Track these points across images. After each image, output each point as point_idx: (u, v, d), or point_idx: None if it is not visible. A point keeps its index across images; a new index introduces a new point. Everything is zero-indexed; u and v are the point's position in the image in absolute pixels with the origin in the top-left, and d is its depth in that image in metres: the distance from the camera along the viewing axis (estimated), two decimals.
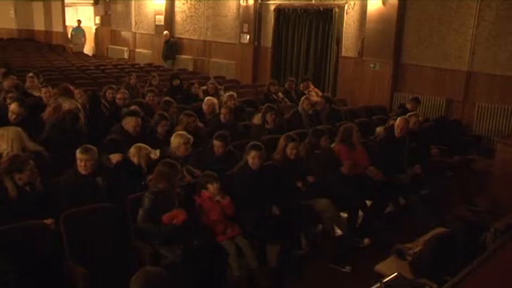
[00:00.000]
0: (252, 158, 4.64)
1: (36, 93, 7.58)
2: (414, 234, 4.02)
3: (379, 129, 5.56)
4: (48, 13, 20.29)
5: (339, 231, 4.94)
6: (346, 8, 10.78)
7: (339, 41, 11.00)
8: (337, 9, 10.81)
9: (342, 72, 11.07)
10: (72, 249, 3.68)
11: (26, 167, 3.81)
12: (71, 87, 6.78)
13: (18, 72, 9.52)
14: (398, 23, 9.66)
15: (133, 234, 3.97)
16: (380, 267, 3.60)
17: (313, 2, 11.42)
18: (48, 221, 3.71)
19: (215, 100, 7.06)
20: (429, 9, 9.31)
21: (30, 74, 8.50)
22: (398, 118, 6.10)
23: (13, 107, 5.33)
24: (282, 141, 5.06)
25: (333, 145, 5.62)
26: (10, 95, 6.46)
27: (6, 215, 3.64)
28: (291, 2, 11.90)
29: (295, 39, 11.83)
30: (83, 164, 4.06)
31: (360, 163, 5.56)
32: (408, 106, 7.86)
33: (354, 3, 10.62)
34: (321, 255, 4.77)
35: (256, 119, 6.72)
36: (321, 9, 11.15)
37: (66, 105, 5.73)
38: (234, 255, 4.04)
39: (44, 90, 7.01)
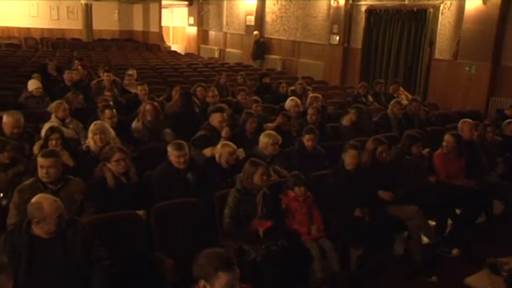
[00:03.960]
0: (351, 157, 4.58)
1: (133, 90, 8.06)
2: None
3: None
4: (146, 14, 21.41)
5: (425, 239, 4.80)
6: (441, 8, 10.38)
7: (432, 43, 10.62)
8: (431, 10, 10.44)
9: (434, 75, 10.68)
10: (161, 240, 3.80)
11: (113, 158, 3.99)
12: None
13: (117, 70, 10.16)
14: (500, 23, 9.14)
15: (219, 229, 4.06)
16: (471, 280, 3.45)
17: (406, 2, 11.11)
18: (141, 212, 3.85)
19: (298, 101, 7.07)
20: None
21: (129, 72, 9.05)
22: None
23: (107, 113, 5.49)
24: (370, 143, 4.99)
25: (424, 151, 5.45)
26: (108, 93, 6.86)
27: (105, 204, 3.86)
28: (383, 2, 11.65)
29: (386, 41, 11.57)
30: (181, 160, 4.20)
31: (455, 173, 5.35)
32: (508, 112, 7.43)
33: (451, 3, 10.19)
34: (406, 262, 4.65)
35: (345, 121, 6.67)
36: (415, 9, 10.82)
37: None
38: (318, 256, 4.02)
39: (139, 88, 7.36)
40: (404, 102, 8.30)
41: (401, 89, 9.52)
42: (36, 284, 2.89)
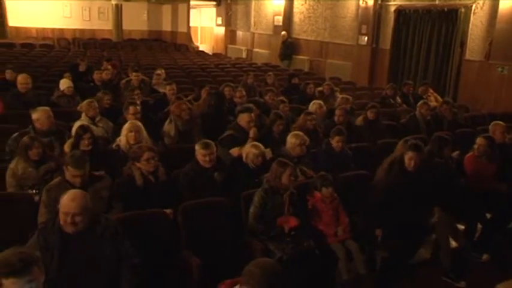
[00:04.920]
0: (408, 159, 4.51)
1: (162, 90, 8.15)
2: None
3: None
4: (175, 15, 21.65)
5: (454, 244, 4.71)
6: (473, 8, 10.18)
7: (462, 43, 10.43)
8: (463, 10, 10.25)
9: (465, 76, 10.48)
10: (188, 239, 3.83)
11: (143, 157, 4.04)
12: None
13: (146, 69, 10.30)
14: None
15: (245, 229, 4.08)
16: (502, 286, 3.39)
17: (436, 2, 10.94)
18: (168, 211, 3.90)
19: (321, 102, 7.03)
20: None
21: (158, 72, 9.16)
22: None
23: (131, 109, 5.58)
24: (400, 146, 4.94)
25: (454, 154, 5.36)
26: (136, 92, 6.95)
27: (133, 202, 3.91)
28: (413, 2, 11.50)
29: (415, 41, 11.43)
30: (207, 158, 4.24)
31: (486, 177, 5.24)
32: None
33: (483, 3, 9.99)
34: (434, 266, 4.59)
35: (359, 121, 6.63)
36: (445, 9, 10.66)
37: None
38: (344, 258, 4.01)
39: (168, 87, 7.42)
40: (434, 103, 8.19)
41: (431, 90, 9.38)
42: (67, 279, 2.94)
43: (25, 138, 4.32)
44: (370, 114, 6.52)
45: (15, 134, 4.87)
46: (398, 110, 8.12)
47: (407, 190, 4.38)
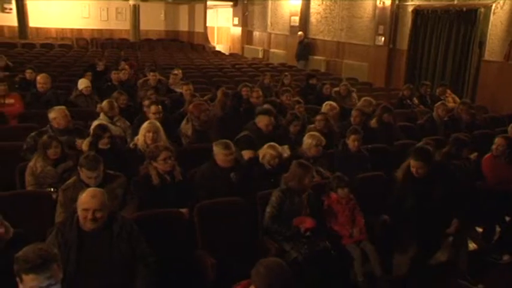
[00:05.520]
0: (412, 166, 4.42)
1: (178, 90, 8.19)
2: None
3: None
4: (191, 15, 21.77)
5: (473, 246, 4.67)
6: (493, 7, 10.04)
7: (481, 44, 10.27)
8: (482, 10, 10.10)
9: (483, 77, 10.34)
10: (203, 238, 3.85)
11: (160, 157, 4.07)
12: None
13: (163, 69, 10.36)
14: None
15: (261, 229, 4.08)
16: None
17: (455, 2, 10.82)
18: (184, 210, 3.92)
19: (333, 103, 7.00)
20: None
21: (175, 72, 9.21)
22: None
23: (153, 109, 5.64)
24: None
25: (472, 155, 5.30)
26: (149, 93, 6.99)
27: (149, 201, 3.95)
28: (431, 2, 11.39)
29: (433, 42, 11.30)
30: (229, 158, 4.25)
31: (505, 178, 5.16)
32: None
33: (504, 3, 9.82)
34: (451, 269, 4.54)
35: (373, 123, 6.57)
36: (464, 9, 10.51)
37: None
38: (359, 260, 3.99)
39: (185, 87, 7.45)
40: (452, 104, 8.10)
41: (449, 91, 9.28)
42: (85, 276, 2.99)
43: (44, 138, 4.38)
44: (386, 118, 6.45)
45: (33, 133, 4.94)
46: (415, 111, 8.06)
47: (418, 195, 4.34)
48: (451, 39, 10.84)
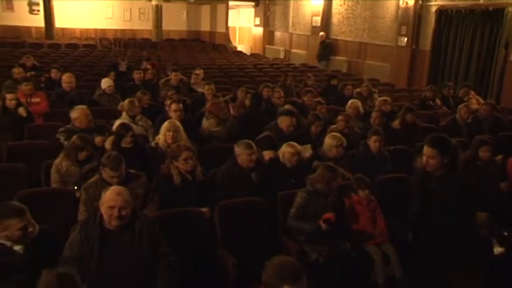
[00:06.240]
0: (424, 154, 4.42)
1: (200, 89, 8.24)
2: None
3: None
4: (213, 15, 21.87)
5: (498, 249, 4.57)
6: None
7: (507, 44, 10.09)
8: (510, 9, 9.91)
9: (509, 78, 10.13)
10: (224, 238, 3.86)
11: (181, 156, 4.10)
12: None
13: (184, 69, 10.44)
14: None
15: (281, 230, 4.07)
16: None
17: (481, 1, 10.64)
18: (205, 210, 3.95)
19: (359, 103, 6.97)
20: None
21: (196, 71, 9.27)
22: None
23: (174, 107, 5.68)
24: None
25: (497, 157, 5.21)
26: (170, 92, 7.04)
27: (170, 200, 3.99)
28: (455, 2, 11.23)
29: (457, 42, 11.14)
30: (252, 158, 4.26)
31: None
32: None
33: None
34: (476, 273, 4.46)
35: (395, 123, 6.52)
36: (490, 9, 10.34)
37: None
38: (380, 262, 3.95)
39: (207, 87, 7.48)
40: (475, 106, 7.98)
41: (472, 92, 9.15)
42: (107, 272, 3.03)
43: (76, 141, 4.42)
44: (409, 118, 6.40)
45: (63, 128, 5.12)
46: (438, 113, 7.97)
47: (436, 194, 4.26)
48: (475, 39, 10.68)
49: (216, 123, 5.85)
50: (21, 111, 5.90)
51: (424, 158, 3.74)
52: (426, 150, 3.72)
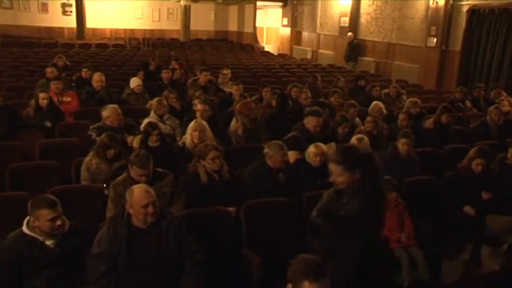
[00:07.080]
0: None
1: (227, 89, 8.29)
2: None
3: None
4: (241, 15, 21.93)
5: None
6: None
7: None
8: None
9: None
10: (250, 238, 3.87)
11: (208, 156, 4.13)
12: None
13: (212, 69, 10.50)
14: None
15: (307, 230, 4.10)
16: None
17: None
18: (231, 209, 3.98)
19: (382, 104, 6.89)
20: None
21: (224, 71, 9.32)
22: None
23: (199, 106, 5.74)
24: (472, 152, 4.77)
25: None
26: (197, 93, 7.08)
27: (197, 199, 4.03)
28: (488, 1, 10.97)
29: (489, 43, 10.88)
30: (285, 158, 4.28)
31: None
32: None
33: None
34: (503, 277, 4.38)
35: (428, 123, 6.44)
36: None
37: None
38: (406, 265, 3.91)
39: (235, 87, 7.54)
40: (507, 108, 7.81)
41: (504, 94, 8.94)
42: (134, 270, 3.08)
43: (105, 139, 4.49)
44: (444, 119, 6.28)
45: (95, 126, 5.24)
46: (468, 115, 7.83)
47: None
48: (508, 39, 10.41)
49: (244, 125, 5.84)
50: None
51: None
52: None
